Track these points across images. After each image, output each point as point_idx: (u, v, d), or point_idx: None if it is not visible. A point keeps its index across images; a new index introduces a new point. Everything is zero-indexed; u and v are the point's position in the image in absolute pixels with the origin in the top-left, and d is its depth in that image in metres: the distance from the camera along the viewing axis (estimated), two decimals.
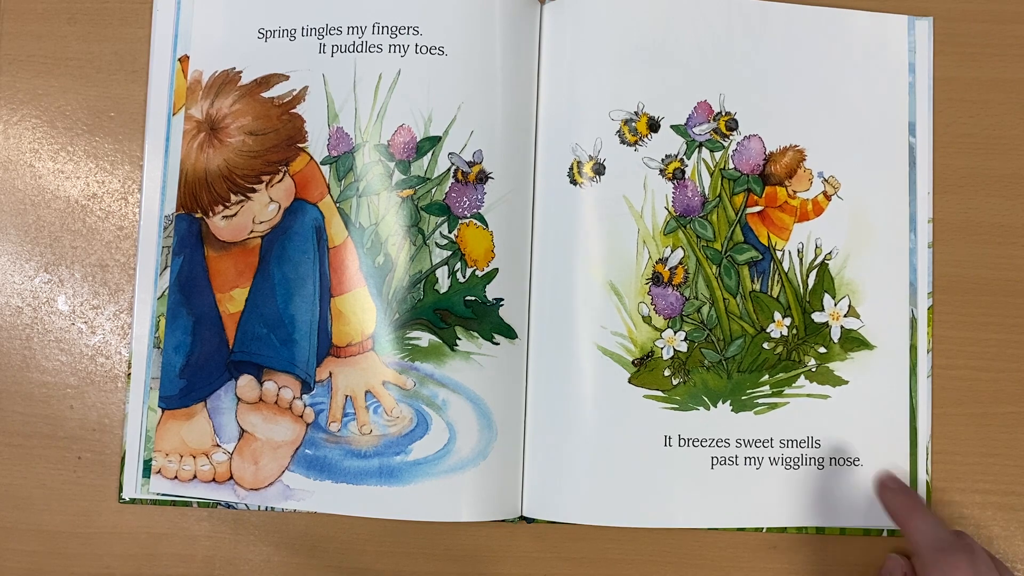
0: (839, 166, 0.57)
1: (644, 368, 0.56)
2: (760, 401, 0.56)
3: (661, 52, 0.57)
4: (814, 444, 0.56)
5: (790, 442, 0.56)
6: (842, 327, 0.57)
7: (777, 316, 0.57)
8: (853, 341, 0.57)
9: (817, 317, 0.57)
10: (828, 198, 0.57)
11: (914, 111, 0.58)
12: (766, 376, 0.56)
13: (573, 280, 0.56)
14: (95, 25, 0.59)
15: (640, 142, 0.57)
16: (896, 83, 0.58)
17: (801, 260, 0.57)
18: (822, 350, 0.57)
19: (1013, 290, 0.58)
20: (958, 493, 0.57)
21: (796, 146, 0.57)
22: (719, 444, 0.56)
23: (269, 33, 0.58)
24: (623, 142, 0.56)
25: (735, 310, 0.57)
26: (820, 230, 0.57)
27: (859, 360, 0.57)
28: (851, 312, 0.57)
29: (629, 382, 0.56)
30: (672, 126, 0.57)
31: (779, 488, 0.56)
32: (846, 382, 0.57)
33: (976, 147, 0.58)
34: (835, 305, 0.57)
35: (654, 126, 0.57)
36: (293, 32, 0.57)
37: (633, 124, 0.56)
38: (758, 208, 0.57)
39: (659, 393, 0.56)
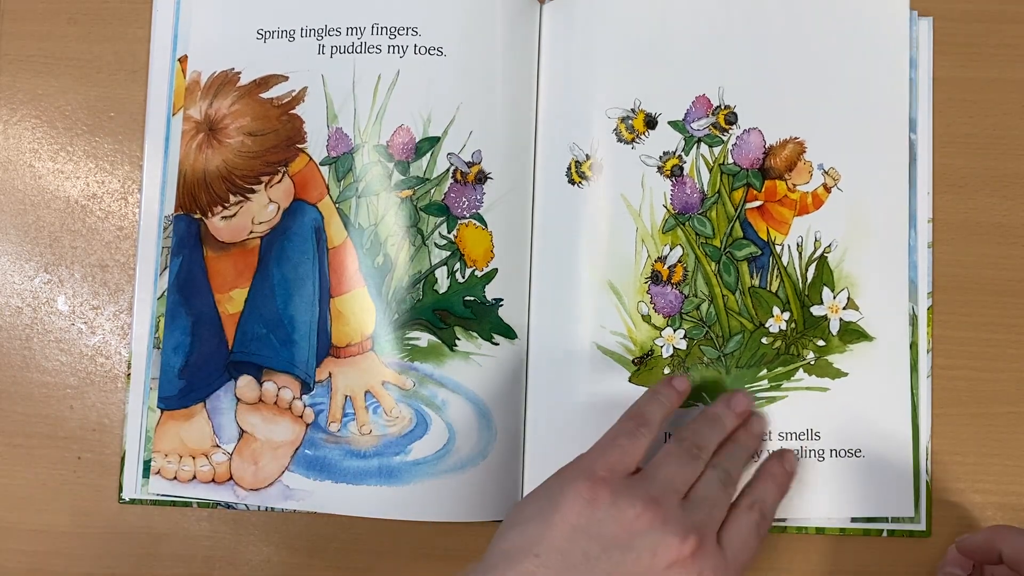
0: (839, 158, 0.57)
1: (644, 367, 0.56)
2: (759, 396, 0.56)
3: (659, 48, 0.57)
4: (814, 436, 0.56)
5: (789, 435, 0.56)
6: (841, 319, 0.56)
7: (776, 311, 0.56)
8: (852, 333, 0.56)
9: (816, 311, 0.56)
10: (828, 190, 0.57)
11: (915, 107, 0.58)
12: (764, 371, 0.56)
13: (572, 280, 0.56)
14: (95, 25, 0.60)
15: (637, 139, 0.56)
16: (897, 77, 0.57)
17: (800, 254, 0.57)
18: (821, 343, 0.56)
19: (1013, 290, 0.58)
20: (958, 493, 0.56)
21: (796, 138, 0.57)
22: None
23: (268, 34, 0.58)
24: (620, 140, 0.56)
25: (734, 306, 0.56)
26: (819, 223, 0.57)
27: (858, 352, 0.56)
28: (850, 304, 0.56)
29: (629, 381, 0.56)
30: (670, 122, 0.57)
31: None
32: (845, 374, 0.56)
33: (976, 147, 0.58)
34: (834, 298, 0.56)
35: (651, 123, 0.57)
36: (292, 33, 0.58)
37: (630, 122, 0.56)
38: (757, 203, 0.57)
39: None
